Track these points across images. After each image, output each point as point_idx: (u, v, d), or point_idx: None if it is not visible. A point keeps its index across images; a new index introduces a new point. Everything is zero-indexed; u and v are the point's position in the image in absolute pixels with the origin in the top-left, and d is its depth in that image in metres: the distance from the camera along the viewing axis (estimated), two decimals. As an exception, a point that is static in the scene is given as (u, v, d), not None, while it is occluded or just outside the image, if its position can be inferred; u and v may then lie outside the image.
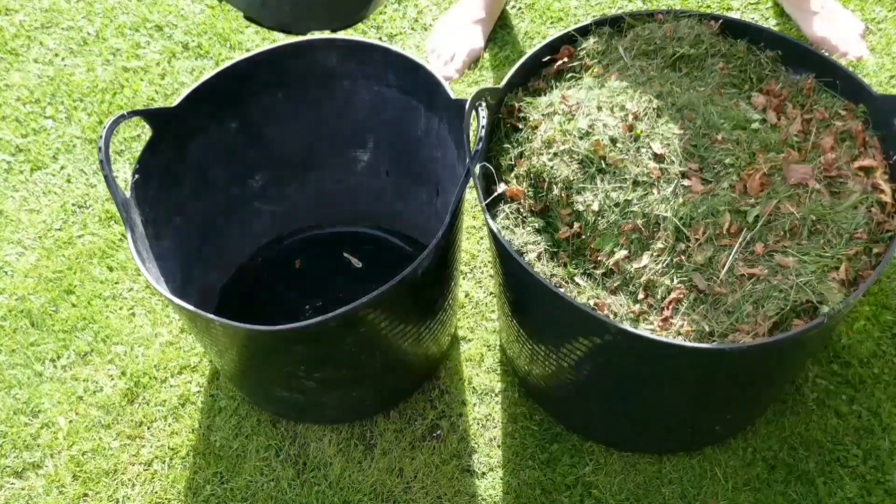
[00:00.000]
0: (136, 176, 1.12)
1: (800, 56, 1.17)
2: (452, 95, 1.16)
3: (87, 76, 1.75)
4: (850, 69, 1.15)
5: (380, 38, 1.79)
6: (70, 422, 1.31)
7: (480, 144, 1.07)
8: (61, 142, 1.65)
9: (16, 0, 1.89)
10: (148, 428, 1.30)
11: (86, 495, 1.25)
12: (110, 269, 1.47)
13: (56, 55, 1.79)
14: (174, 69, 1.75)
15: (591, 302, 1.01)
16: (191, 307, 0.98)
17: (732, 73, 1.17)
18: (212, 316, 0.97)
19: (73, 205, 1.56)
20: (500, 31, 1.79)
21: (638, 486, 1.22)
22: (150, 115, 1.14)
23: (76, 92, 1.72)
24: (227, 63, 1.23)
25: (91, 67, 1.76)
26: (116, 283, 1.46)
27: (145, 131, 1.66)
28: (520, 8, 1.82)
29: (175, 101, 1.18)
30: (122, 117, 1.07)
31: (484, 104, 1.09)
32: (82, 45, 1.81)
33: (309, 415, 1.27)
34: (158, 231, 1.16)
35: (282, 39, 1.80)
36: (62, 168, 1.61)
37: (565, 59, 1.22)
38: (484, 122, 1.09)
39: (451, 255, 1.16)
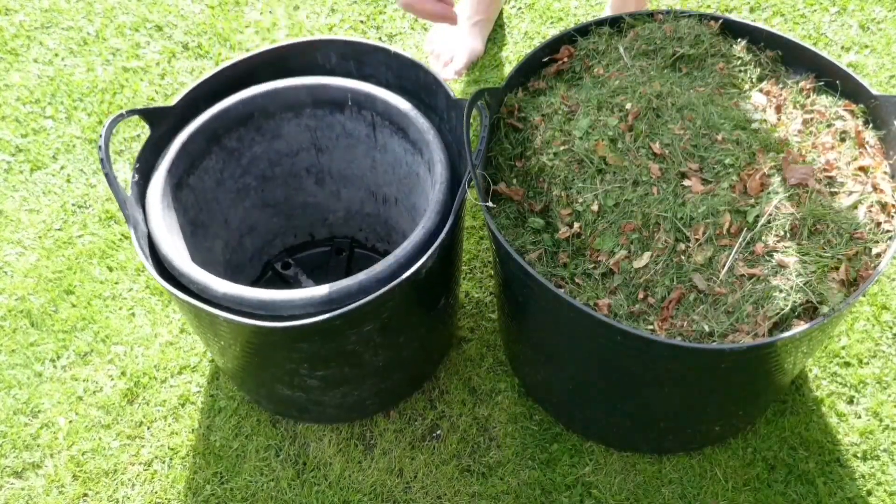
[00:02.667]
0: (136, 176, 1.12)
1: (800, 56, 1.17)
2: (453, 95, 1.16)
3: (87, 76, 1.75)
4: (850, 69, 1.15)
5: (379, 38, 1.79)
6: (70, 422, 1.31)
7: (482, 144, 1.07)
8: (61, 142, 1.65)
9: (16, 0, 1.89)
10: (148, 428, 1.30)
11: (86, 495, 1.25)
12: (110, 269, 1.47)
13: (56, 55, 1.79)
14: (174, 69, 1.76)
15: (591, 302, 1.01)
16: (196, 302, 0.99)
17: (732, 73, 1.17)
18: (217, 311, 0.98)
19: (73, 205, 1.56)
20: (499, 30, 1.79)
21: (638, 486, 1.22)
22: (149, 114, 1.15)
23: (76, 92, 1.72)
24: (227, 63, 1.23)
25: (91, 67, 1.76)
26: (116, 283, 1.46)
27: (145, 131, 1.65)
28: (520, 8, 1.82)
29: (174, 100, 1.18)
30: (121, 116, 1.08)
31: (484, 104, 1.09)
32: (82, 45, 1.81)
33: (310, 414, 1.27)
34: None
35: (282, 39, 1.80)
36: (62, 168, 1.61)
37: (565, 59, 1.22)
38: (486, 121, 1.08)
39: (454, 254, 1.17)
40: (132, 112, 1.10)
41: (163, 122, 1.17)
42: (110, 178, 1.03)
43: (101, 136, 1.04)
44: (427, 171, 1.18)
